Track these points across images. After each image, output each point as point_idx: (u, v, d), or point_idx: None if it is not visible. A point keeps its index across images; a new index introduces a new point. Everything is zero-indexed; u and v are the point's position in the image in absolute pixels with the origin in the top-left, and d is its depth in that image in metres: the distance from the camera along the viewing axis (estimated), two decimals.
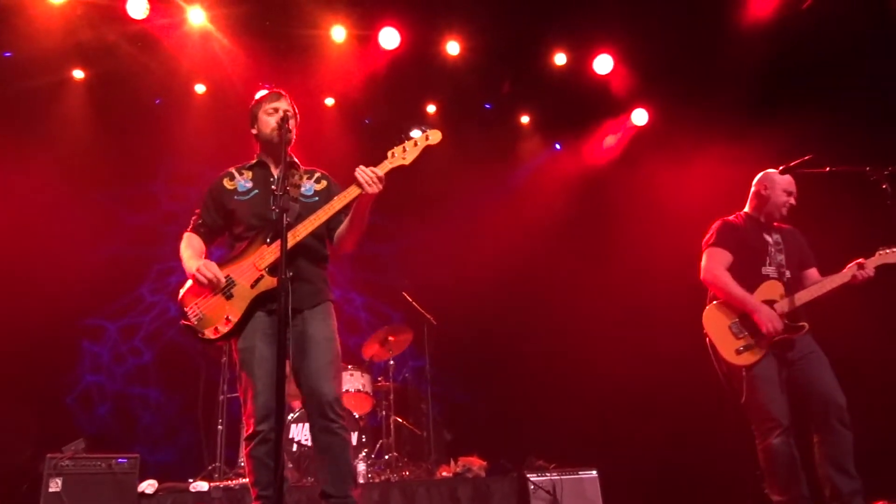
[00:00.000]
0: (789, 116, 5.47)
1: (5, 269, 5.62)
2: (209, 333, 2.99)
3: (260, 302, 3.00)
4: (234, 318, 2.98)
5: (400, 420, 6.00)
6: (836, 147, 4.41)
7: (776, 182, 3.94)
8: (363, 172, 2.95)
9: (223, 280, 2.99)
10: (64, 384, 6.24)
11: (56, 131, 6.28)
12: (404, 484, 4.89)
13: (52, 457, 3.98)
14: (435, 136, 3.06)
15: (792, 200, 3.91)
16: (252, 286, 2.99)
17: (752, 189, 4.02)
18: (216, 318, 3.00)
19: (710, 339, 3.81)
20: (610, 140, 7.52)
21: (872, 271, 3.62)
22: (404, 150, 3.03)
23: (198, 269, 3.00)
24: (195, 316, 3.01)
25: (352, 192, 3.01)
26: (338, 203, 3.02)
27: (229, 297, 3.00)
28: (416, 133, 3.05)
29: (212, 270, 2.99)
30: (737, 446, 4.49)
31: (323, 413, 2.92)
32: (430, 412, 6.04)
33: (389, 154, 3.03)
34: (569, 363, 6.72)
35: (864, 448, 3.57)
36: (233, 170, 3.30)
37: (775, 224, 3.96)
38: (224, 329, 2.98)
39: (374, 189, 2.95)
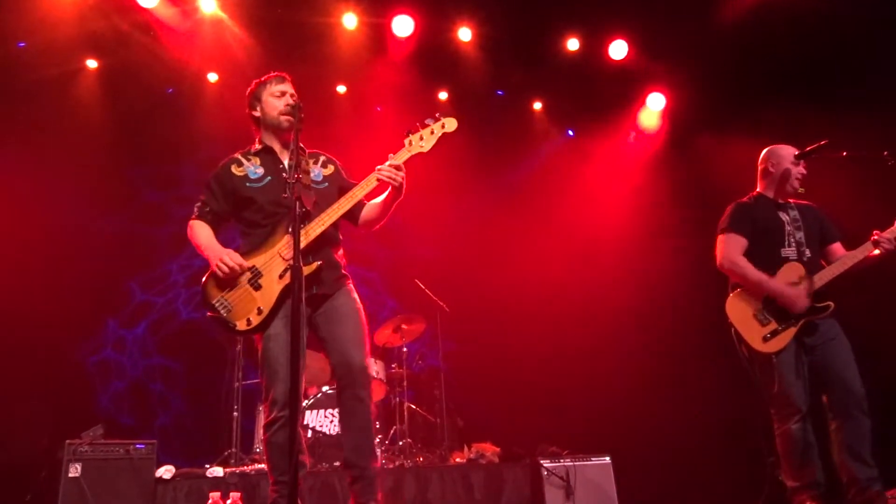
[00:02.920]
0: (810, 99, 5.40)
1: (22, 254, 5.69)
2: (241, 325, 3.01)
3: (288, 292, 2.98)
4: (266, 310, 3.00)
5: (413, 406, 6.03)
6: (859, 131, 4.34)
7: (782, 156, 3.86)
8: (383, 171, 3.05)
9: (246, 267, 3.01)
10: (87, 350, 6.34)
11: (70, 120, 6.31)
12: (418, 470, 4.91)
13: (70, 443, 4.02)
14: (451, 124, 3.13)
15: (802, 170, 3.81)
16: (280, 277, 3.01)
17: (760, 167, 3.96)
18: (247, 309, 3.01)
19: (735, 329, 3.73)
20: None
21: (891, 244, 3.52)
22: (421, 138, 3.10)
23: (220, 260, 3.00)
24: (223, 308, 3.02)
25: (371, 182, 3.10)
26: (360, 192, 3.12)
27: (257, 287, 3.02)
28: (430, 121, 3.11)
29: (235, 260, 3.00)
30: (751, 433, 4.47)
31: (354, 380, 3.00)
32: (444, 399, 6.06)
33: (407, 142, 3.11)
34: (582, 349, 6.72)
35: (884, 436, 3.54)
36: (238, 156, 3.27)
37: (791, 200, 3.88)
38: (256, 321, 3.00)
39: (398, 181, 3.06)
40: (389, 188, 3.12)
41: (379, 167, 3.06)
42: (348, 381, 3.01)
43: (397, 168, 3.05)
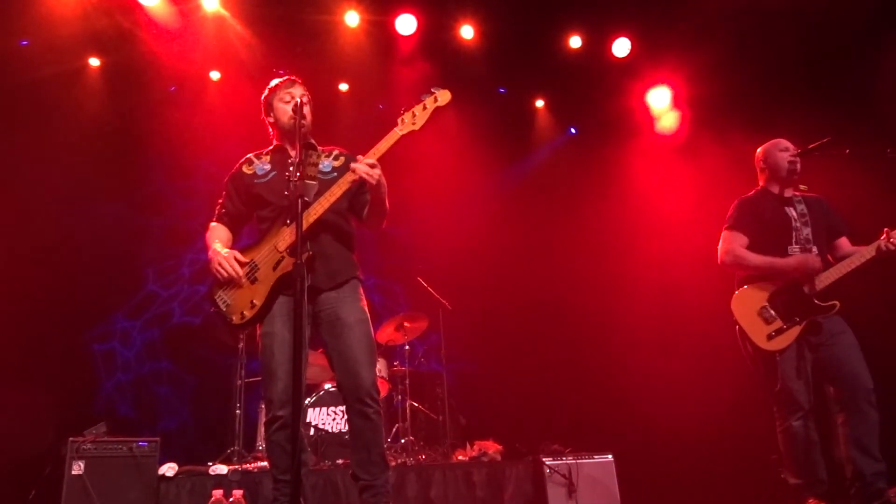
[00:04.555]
0: (818, 95, 5.37)
1: (27, 248, 5.70)
2: (236, 319, 3.03)
3: (282, 285, 3.01)
4: (259, 303, 3.00)
5: (416, 404, 6.03)
6: (866, 126, 4.31)
7: (768, 149, 3.89)
8: (358, 169, 2.92)
9: (239, 272, 3.01)
10: (93, 337, 6.34)
11: (73, 118, 6.30)
12: (420, 468, 4.92)
13: (74, 440, 4.03)
14: (443, 97, 2.99)
15: (789, 156, 3.80)
16: (273, 269, 3.00)
17: (757, 167, 3.98)
18: (242, 303, 3.03)
19: (739, 327, 3.73)
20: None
21: None
22: (413, 115, 2.98)
23: (219, 263, 3.02)
24: (223, 303, 3.05)
25: (349, 176, 2.98)
26: (337, 190, 2.98)
27: (254, 281, 3.03)
28: (425, 95, 2.98)
29: (231, 264, 3.01)
30: (754, 430, 4.46)
31: (360, 398, 2.97)
32: (446, 396, 6.06)
33: (399, 121, 2.99)
34: (585, 347, 6.71)
35: (891, 431, 3.52)
36: (251, 156, 3.32)
37: (797, 193, 3.85)
38: (249, 314, 3.01)
39: (373, 179, 2.93)
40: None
41: (353, 165, 2.94)
42: (356, 400, 2.97)
43: (372, 166, 2.91)
